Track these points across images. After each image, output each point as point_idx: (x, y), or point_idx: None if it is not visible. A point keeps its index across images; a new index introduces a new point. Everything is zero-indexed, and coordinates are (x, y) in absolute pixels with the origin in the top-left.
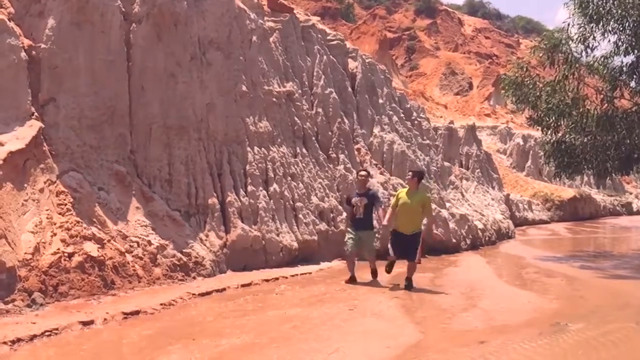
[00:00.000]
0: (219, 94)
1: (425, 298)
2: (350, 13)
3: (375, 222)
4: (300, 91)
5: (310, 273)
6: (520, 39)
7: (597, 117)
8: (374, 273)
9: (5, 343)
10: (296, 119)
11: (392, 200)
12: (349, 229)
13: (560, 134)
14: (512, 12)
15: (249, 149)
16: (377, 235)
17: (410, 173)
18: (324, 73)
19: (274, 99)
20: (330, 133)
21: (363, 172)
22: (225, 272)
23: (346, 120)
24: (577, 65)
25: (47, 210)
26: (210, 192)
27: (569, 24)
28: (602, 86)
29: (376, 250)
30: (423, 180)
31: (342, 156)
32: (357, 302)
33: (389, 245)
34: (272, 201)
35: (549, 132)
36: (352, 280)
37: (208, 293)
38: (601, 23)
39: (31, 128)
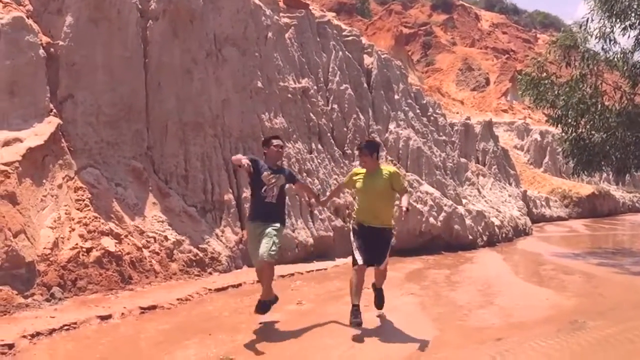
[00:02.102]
0: (235, 90)
1: (442, 294)
2: (365, 9)
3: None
4: (315, 87)
5: (325, 269)
6: (538, 34)
7: (616, 114)
8: (264, 305)
9: (24, 337)
10: (311, 115)
11: (345, 178)
12: (249, 226)
13: (579, 131)
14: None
15: None
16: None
17: (361, 150)
18: (339, 69)
19: (290, 95)
20: (345, 129)
21: (278, 141)
22: (241, 267)
23: (362, 116)
24: (595, 61)
25: (65, 205)
26: (226, 188)
27: (587, 20)
28: (621, 82)
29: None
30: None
31: (357, 152)
32: (372, 299)
33: (354, 248)
34: (287, 197)
35: (569, 130)
36: (265, 307)
37: (224, 288)
38: (621, 18)
39: (50, 124)
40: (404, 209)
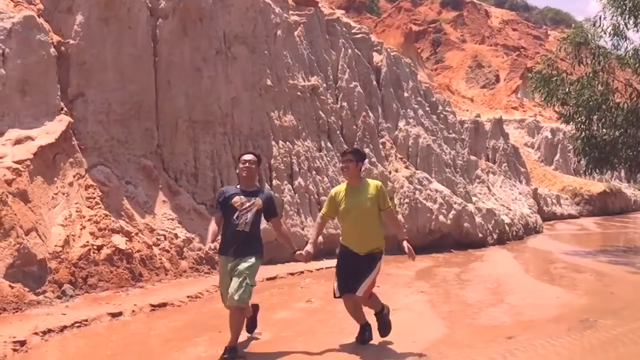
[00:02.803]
0: (244, 88)
1: (452, 293)
2: (375, 6)
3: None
4: (324, 85)
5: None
6: (549, 30)
7: (627, 111)
8: (230, 352)
9: (36, 333)
10: (321, 113)
11: (325, 205)
12: (220, 260)
13: (591, 129)
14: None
15: (273, 143)
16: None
17: (346, 154)
18: (348, 67)
19: (299, 93)
20: (355, 127)
21: (249, 156)
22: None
23: (371, 114)
24: (607, 58)
25: (76, 203)
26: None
27: (600, 17)
28: (632, 80)
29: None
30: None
31: (366, 150)
32: (382, 297)
33: (336, 274)
34: (296, 195)
35: (581, 127)
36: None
37: None
38: (635, 14)
39: (60, 123)
40: (406, 247)
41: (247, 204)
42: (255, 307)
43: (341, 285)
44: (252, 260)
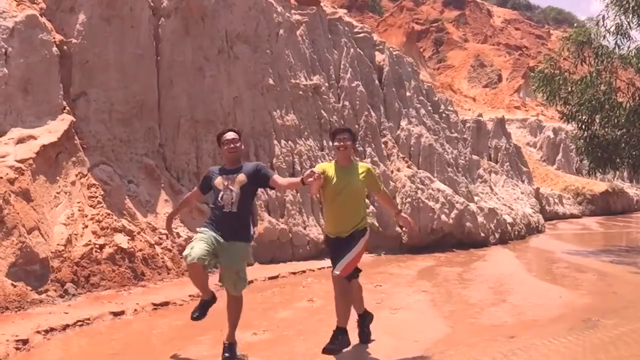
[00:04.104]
0: (246, 87)
1: (453, 292)
2: (377, 5)
3: (253, 229)
4: (327, 84)
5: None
6: (551, 30)
7: (630, 111)
8: (230, 349)
9: (38, 332)
10: (323, 112)
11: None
12: (202, 229)
13: (593, 129)
14: (543, 3)
15: (275, 142)
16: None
17: (341, 132)
18: (350, 66)
19: (301, 92)
20: (357, 126)
21: (232, 135)
22: (252, 264)
23: (373, 113)
24: (609, 58)
25: (78, 202)
26: None
27: (603, 16)
28: (635, 79)
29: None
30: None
31: (369, 149)
32: (384, 296)
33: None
34: (298, 194)
35: (583, 126)
36: (203, 308)
37: None
38: (638, 13)
39: (63, 122)
40: (405, 217)
41: (229, 183)
42: (213, 299)
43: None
44: (244, 244)
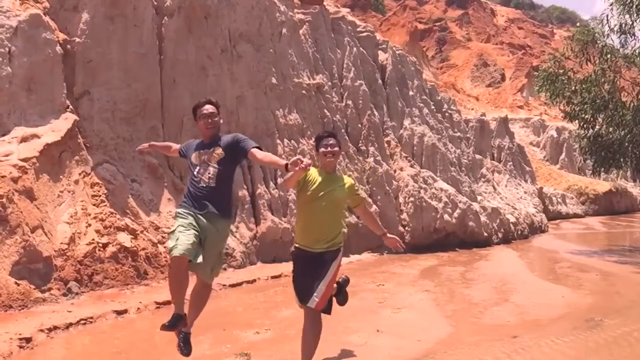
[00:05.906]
0: (249, 86)
1: (456, 291)
2: (380, 4)
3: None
4: (330, 83)
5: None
6: (555, 29)
7: (633, 110)
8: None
9: (42, 331)
10: (326, 111)
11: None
12: (180, 211)
13: (597, 128)
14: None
15: (278, 141)
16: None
17: (328, 138)
18: (353, 65)
19: (304, 92)
20: (360, 125)
21: (210, 108)
22: (255, 263)
23: (376, 113)
24: (613, 57)
25: (82, 201)
26: (241, 184)
27: (607, 15)
28: (639, 78)
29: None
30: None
31: (371, 149)
32: (387, 295)
33: (293, 281)
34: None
35: (586, 126)
36: (175, 322)
37: (238, 284)
38: None
39: (66, 121)
40: (391, 237)
41: (205, 157)
42: (183, 319)
43: (301, 292)
44: (225, 220)
